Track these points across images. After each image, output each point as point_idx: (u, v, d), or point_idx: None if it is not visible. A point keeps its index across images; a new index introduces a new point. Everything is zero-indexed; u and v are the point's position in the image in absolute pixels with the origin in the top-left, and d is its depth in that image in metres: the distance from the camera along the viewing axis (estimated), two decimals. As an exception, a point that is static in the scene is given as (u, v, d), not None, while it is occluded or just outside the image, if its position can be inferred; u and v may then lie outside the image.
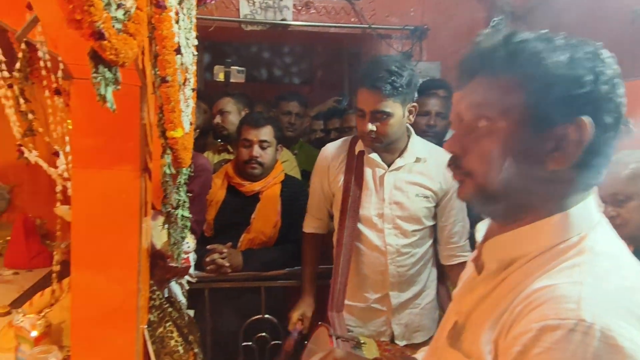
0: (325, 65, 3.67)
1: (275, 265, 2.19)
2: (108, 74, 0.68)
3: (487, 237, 0.77)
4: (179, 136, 1.26)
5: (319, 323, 1.71)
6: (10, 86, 1.70)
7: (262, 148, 2.20)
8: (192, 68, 1.50)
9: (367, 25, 2.92)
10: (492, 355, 0.66)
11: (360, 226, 1.82)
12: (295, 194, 2.27)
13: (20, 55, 1.75)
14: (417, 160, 1.82)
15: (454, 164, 0.76)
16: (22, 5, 1.54)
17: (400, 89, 1.67)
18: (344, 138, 2.01)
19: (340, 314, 1.75)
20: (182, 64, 1.28)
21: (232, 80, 2.99)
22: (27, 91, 1.86)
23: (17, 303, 1.91)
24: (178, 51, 1.19)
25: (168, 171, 1.31)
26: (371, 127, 1.71)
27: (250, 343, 2.19)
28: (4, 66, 1.67)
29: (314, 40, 3.41)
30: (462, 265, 1.59)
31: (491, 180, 0.71)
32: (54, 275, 1.70)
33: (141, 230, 1.35)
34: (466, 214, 1.90)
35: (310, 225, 2.07)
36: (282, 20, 2.93)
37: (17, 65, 1.75)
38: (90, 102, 1.29)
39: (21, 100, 1.78)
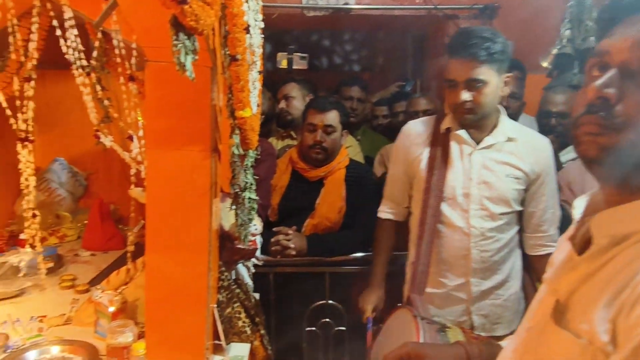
0: (387, 50, 3.60)
1: (340, 250, 2.17)
2: (187, 43, 0.67)
3: (589, 213, 0.70)
4: (248, 116, 1.26)
5: (399, 305, 1.66)
6: (88, 74, 1.78)
7: (327, 133, 2.18)
8: (259, 51, 1.50)
9: (432, 6, 2.81)
10: (609, 334, 0.60)
11: (442, 206, 1.74)
12: (360, 179, 2.24)
13: (97, 44, 1.83)
14: (509, 139, 1.72)
15: (603, 110, 0.64)
16: (98, -5, 1.60)
17: (495, 55, 1.60)
18: (427, 117, 1.92)
19: (423, 297, 1.68)
20: (250, 44, 1.28)
21: (294, 67, 2.98)
22: (102, 80, 1.95)
23: (94, 282, 2.02)
24: (247, 30, 1.19)
25: (236, 151, 1.32)
26: (466, 96, 1.63)
27: (314, 328, 2.19)
28: (82, 55, 1.75)
29: (377, 25, 3.34)
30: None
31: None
32: (128, 255, 1.78)
33: (211, 210, 1.37)
34: (558, 201, 1.77)
35: (386, 211, 1.98)
36: (344, 4, 2.89)
37: (94, 54, 1.84)
38: (163, 85, 1.32)
39: (98, 88, 1.86)
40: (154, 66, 1.30)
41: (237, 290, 1.64)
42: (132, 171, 1.71)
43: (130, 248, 1.76)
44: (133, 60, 1.76)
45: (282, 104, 2.65)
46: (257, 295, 1.84)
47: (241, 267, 1.78)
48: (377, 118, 3.07)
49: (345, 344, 2.20)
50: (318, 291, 2.17)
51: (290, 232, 2.11)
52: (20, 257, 1.88)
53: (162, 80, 1.30)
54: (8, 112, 1.85)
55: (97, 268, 2.22)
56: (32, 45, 1.85)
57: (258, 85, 1.48)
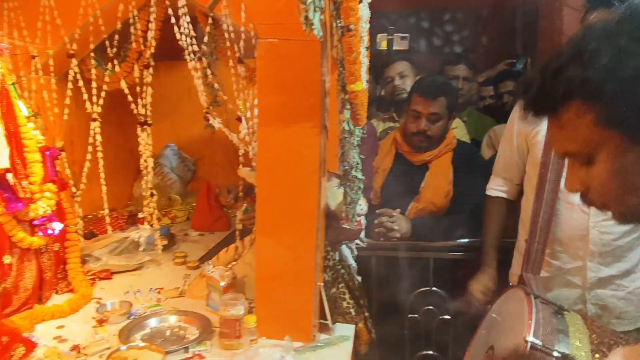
0: (493, 29, 3.38)
1: (446, 235, 2.07)
2: (317, -1, 0.64)
3: None
4: (359, 90, 1.23)
5: (510, 284, 1.56)
6: (199, 59, 1.86)
7: (431, 122, 2.08)
8: (366, 26, 1.46)
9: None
10: None
11: (560, 181, 1.60)
12: (468, 161, 2.12)
13: (207, 29, 1.91)
14: None
15: (585, 201, 0.73)
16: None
17: None
18: None
19: (538, 276, 1.57)
20: (361, 17, 1.24)
21: (395, 47, 2.90)
22: (211, 65, 2.03)
23: (203, 259, 2.13)
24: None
25: (347, 127, 1.30)
26: None
27: (416, 315, 2.12)
28: (194, 41, 1.83)
29: (482, 1, 3.15)
30: None
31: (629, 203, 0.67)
32: (237, 233, 1.84)
33: (320, 188, 1.36)
34: None
35: (496, 188, 1.89)
36: (447, -19, 2.75)
37: (205, 39, 1.91)
38: (275, 62, 1.33)
39: (208, 72, 1.94)
40: (266, 44, 1.31)
41: (342, 271, 1.63)
42: (240, 152, 1.76)
43: (239, 226, 1.82)
44: (241, 44, 1.81)
45: (397, 81, 2.56)
46: (359, 279, 1.82)
47: (345, 249, 1.77)
48: (484, 99, 2.89)
49: (449, 334, 2.11)
50: (422, 277, 2.09)
51: (394, 214, 2.05)
52: (140, 233, 2.03)
53: (273, 58, 1.31)
54: (129, 98, 2.00)
55: (205, 247, 2.33)
56: (150, 35, 1.97)
57: (366, 61, 1.44)
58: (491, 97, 2.86)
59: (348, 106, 1.27)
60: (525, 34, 3.28)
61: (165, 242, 2.19)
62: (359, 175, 1.45)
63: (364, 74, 1.34)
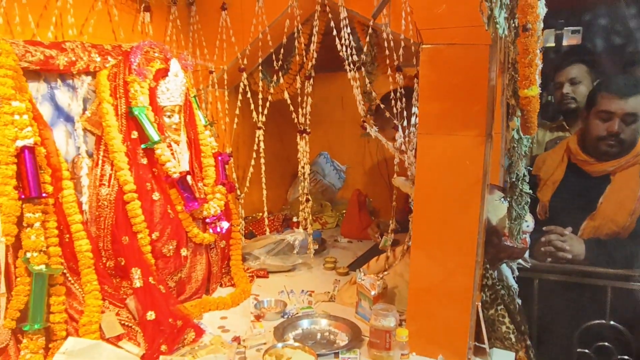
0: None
1: (630, 262, 1.78)
2: (504, -7, 0.59)
3: None
4: (534, 95, 1.12)
5: None
6: (359, 69, 1.89)
7: (626, 123, 1.81)
8: (540, 25, 1.33)
9: None
10: None
11: None
12: (662, 176, 1.81)
13: (367, 39, 1.93)
14: None
15: None
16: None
17: None
18: None
19: None
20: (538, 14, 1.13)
21: (565, 43, 2.58)
22: (369, 75, 2.05)
23: (352, 266, 2.14)
24: (539, -5, 1.05)
25: (517, 136, 1.19)
26: None
27: (587, 351, 1.86)
28: (354, 51, 1.87)
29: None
30: None
31: None
32: (388, 243, 1.82)
33: (483, 200, 1.27)
34: None
35: None
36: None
37: (365, 48, 1.94)
38: (438, 67, 1.28)
39: (367, 81, 1.96)
40: (430, 50, 1.27)
41: (502, 292, 1.50)
42: (395, 160, 1.74)
43: (391, 236, 1.80)
44: (400, 52, 1.80)
45: (567, 88, 2.27)
46: (519, 302, 1.65)
47: (505, 268, 1.63)
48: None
49: (629, 377, 1.80)
50: (595, 308, 1.82)
51: (565, 232, 1.83)
52: (295, 237, 2.12)
53: (437, 63, 1.27)
54: (291, 108, 2.11)
55: (353, 254, 2.36)
56: (312, 47, 2.07)
57: (540, 63, 1.31)
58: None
59: (518, 113, 1.17)
60: None
61: (317, 247, 2.26)
62: (526, 188, 1.32)
63: (537, 78, 1.22)
